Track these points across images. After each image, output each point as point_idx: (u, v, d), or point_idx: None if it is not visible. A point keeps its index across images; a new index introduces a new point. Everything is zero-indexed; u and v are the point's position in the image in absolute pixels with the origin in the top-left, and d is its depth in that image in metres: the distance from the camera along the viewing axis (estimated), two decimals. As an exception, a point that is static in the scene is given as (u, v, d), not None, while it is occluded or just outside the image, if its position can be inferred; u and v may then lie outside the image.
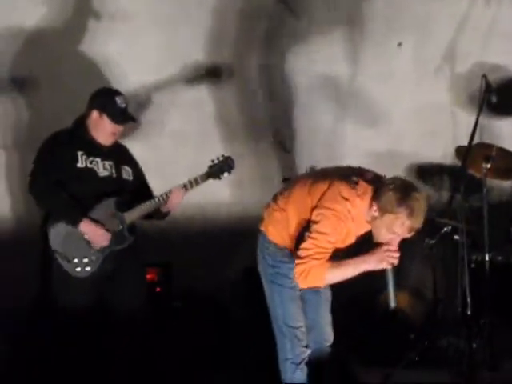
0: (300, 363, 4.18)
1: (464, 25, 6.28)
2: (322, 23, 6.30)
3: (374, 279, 5.69)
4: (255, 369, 5.30)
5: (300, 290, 4.19)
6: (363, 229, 4.17)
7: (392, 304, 4.17)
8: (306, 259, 3.97)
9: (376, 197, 4.01)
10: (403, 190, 3.95)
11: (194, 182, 4.77)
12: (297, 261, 4.01)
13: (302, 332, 4.21)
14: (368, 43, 6.13)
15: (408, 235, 4.04)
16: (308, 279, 3.98)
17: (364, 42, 6.10)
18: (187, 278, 5.79)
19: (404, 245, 6.13)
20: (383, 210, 3.96)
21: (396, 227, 3.96)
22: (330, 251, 4.04)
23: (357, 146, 6.12)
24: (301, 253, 4.01)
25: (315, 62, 6.31)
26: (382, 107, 6.31)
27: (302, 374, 4.20)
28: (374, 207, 4.00)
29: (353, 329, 4.55)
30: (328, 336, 4.36)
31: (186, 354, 5.40)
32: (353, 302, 4.36)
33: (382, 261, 4.05)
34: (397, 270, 4.23)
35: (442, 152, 6.30)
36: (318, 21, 6.31)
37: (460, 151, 5.60)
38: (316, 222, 4.02)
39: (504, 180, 6.02)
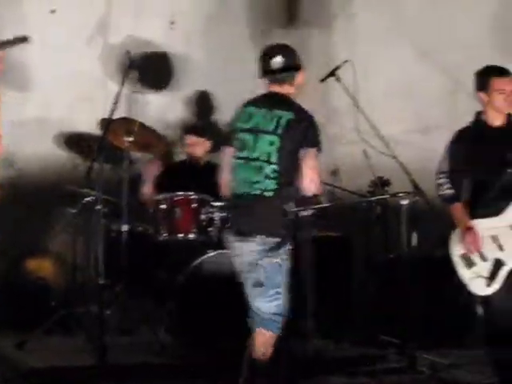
0: None
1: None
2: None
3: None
4: None
5: None
6: None
7: None
8: None
9: None
10: None
11: None
12: None
13: None
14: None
15: None
16: None
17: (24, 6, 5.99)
18: None
19: (47, 215, 6.24)
20: None
21: None
22: None
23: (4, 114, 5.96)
24: None
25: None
26: (32, 73, 6.23)
27: None
28: None
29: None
30: None
31: None
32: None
33: None
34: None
35: (92, 122, 6.33)
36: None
37: (103, 123, 5.71)
38: None
39: (145, 153, 6.20)
